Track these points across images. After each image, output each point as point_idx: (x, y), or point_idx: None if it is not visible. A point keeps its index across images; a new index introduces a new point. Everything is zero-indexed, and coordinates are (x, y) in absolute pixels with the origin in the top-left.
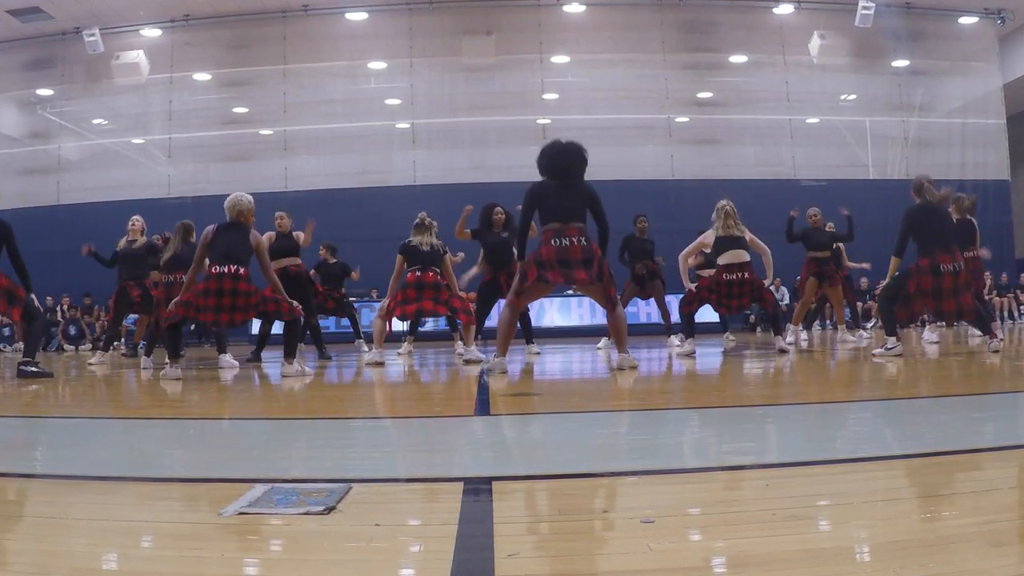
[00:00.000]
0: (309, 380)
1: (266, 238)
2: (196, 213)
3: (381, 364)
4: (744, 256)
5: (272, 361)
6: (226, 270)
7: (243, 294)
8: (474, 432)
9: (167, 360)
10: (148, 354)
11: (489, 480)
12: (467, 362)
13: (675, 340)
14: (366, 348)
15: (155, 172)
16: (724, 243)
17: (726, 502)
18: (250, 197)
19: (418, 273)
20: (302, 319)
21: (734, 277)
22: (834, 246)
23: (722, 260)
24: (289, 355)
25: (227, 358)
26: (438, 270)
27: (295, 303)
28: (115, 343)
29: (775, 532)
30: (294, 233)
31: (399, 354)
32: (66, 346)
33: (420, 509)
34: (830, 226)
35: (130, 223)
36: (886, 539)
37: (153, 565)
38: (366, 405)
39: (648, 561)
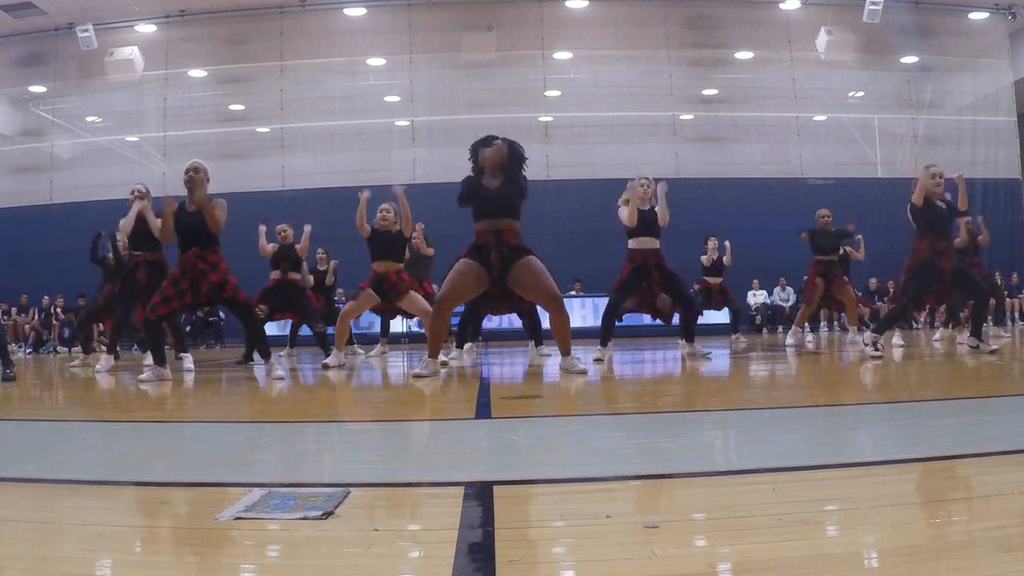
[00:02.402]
0: (283, 383)
1: (270, 248)
2: None
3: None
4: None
5: (262, 364)
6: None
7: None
8: (475, 435)
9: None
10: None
11: (490, 484)
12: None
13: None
14: (359, 350)
15: (150, 171)
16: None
17: (731, 507)
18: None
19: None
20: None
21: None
22: (841, 250)
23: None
24: (265, 355)
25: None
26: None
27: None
28: (99, 346)
29: (782, 537)
30: (296, 245)
31: (370, 356)
32: (60, 348)
33: (420, 514)
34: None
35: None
36: (895, 544)
37: (148, 571)
38: (364, 407)
39: (652, 567)
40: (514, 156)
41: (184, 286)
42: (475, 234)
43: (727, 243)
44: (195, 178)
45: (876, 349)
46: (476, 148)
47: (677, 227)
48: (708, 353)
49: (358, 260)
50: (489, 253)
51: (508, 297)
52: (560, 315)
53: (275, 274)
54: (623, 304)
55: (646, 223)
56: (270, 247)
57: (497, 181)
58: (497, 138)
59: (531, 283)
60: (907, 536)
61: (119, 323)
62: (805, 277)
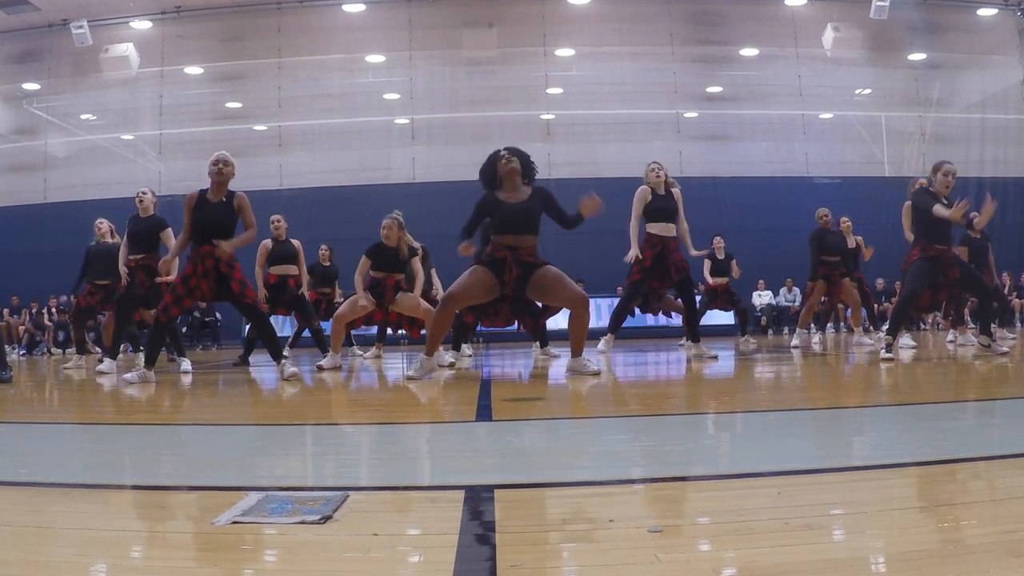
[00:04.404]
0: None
1: (262, 248)
2: None
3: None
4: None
5: (259, 366)
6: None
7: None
8: (475, 438)
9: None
10: (113, 357)
11: (491, 488)
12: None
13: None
14: (359, 351)
15: (145, 169)
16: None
17: (736, 511)
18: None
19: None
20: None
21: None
22: (853, 245)
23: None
24: (277, 356)
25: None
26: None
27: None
28: (91, 347)
29: (787, 542)
30: (293, 241)
31: (365, 358)
32: (54, 350)
33: (420, 518)
34: (845, 222)
35: (96, 225)
36: (902, 549)
37: None
38: (363, 410)
39: (656, 572)
40: (527, 165)
41: (193, 284)
42: (492, 246)
43: (734, 262)
44: (224, 172)
45: (888, 351)
46: (489, 167)
47: None
48: (714, 355)
49: (357, 260)
50: (505, 271)
51: (513, 310)
52: (585, 315)
53: (272, 270)
54: (637, 296)
55: (664, 210)
56: (260, 247)
57: (518, 195)
58: (503, 150)
59: (554, 288)
60: (914, 540)
61: (120, 327)
62: (795, 301)
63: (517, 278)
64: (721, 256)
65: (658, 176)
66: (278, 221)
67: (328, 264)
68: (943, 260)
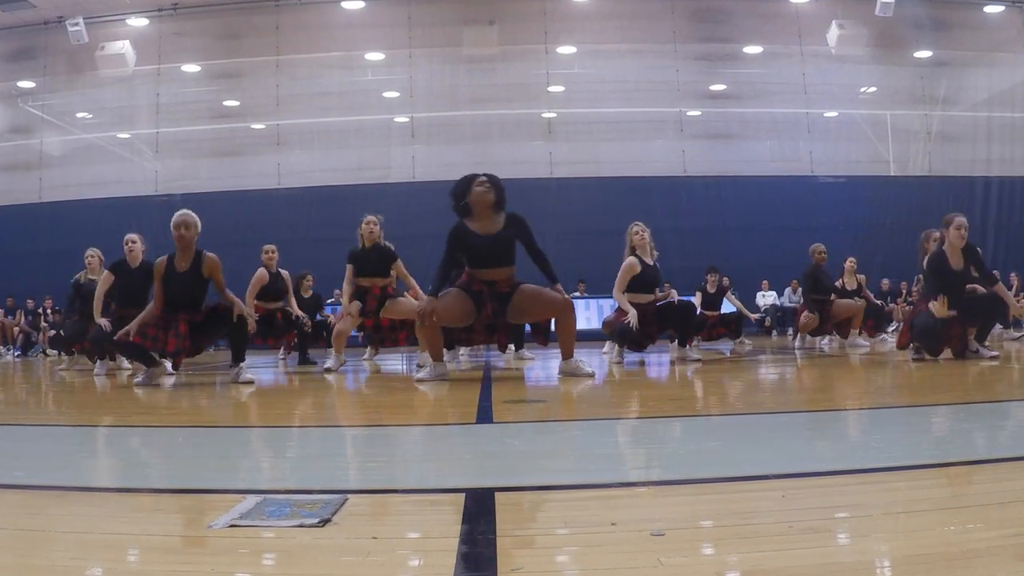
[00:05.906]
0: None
1: (257, 279)
2: None
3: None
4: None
5: (256, 367)
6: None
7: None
8: (476, 441)
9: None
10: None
11: (492, 491)
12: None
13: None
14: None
15: (142, 168)
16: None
17: (740, 514)
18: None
19: None
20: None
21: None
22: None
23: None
24: (238, 359)
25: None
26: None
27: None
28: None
29: (791, 545)
30: (283, 272)
31: (363, 359)
32: (49, 351)
33: (419, 521)
34: (851, 262)
35: (87, 257)
36: (908, 552)
37: None
38: (362, 412)
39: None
40: (501, 198)
41: (151, 333)
42: (469, 277)
43: (734, 295)
44: (186, 236)
45: (917, 353)
46: (460, 191)
47: (683, 226)
48: (697, 358)
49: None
50: (485, 304)
51: (489, 329)
52: (571, 319)
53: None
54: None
55: (649, 281)
56: (255, 277)
57: (490, 225)
58: (482, 176)
59: (533, 306)
60: (920, 544)
61: (93, 348)
62: (801, 301)
63: (494, 312)
64: (713, 291)
65: (642, 238)
66: (271, 252)
67: (308, 295)
68: (950, 320)
